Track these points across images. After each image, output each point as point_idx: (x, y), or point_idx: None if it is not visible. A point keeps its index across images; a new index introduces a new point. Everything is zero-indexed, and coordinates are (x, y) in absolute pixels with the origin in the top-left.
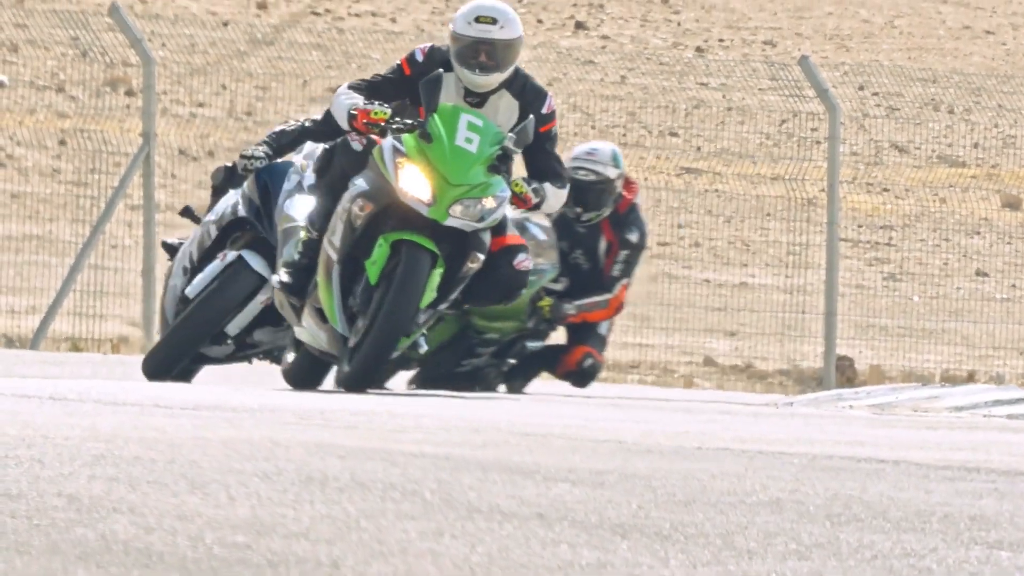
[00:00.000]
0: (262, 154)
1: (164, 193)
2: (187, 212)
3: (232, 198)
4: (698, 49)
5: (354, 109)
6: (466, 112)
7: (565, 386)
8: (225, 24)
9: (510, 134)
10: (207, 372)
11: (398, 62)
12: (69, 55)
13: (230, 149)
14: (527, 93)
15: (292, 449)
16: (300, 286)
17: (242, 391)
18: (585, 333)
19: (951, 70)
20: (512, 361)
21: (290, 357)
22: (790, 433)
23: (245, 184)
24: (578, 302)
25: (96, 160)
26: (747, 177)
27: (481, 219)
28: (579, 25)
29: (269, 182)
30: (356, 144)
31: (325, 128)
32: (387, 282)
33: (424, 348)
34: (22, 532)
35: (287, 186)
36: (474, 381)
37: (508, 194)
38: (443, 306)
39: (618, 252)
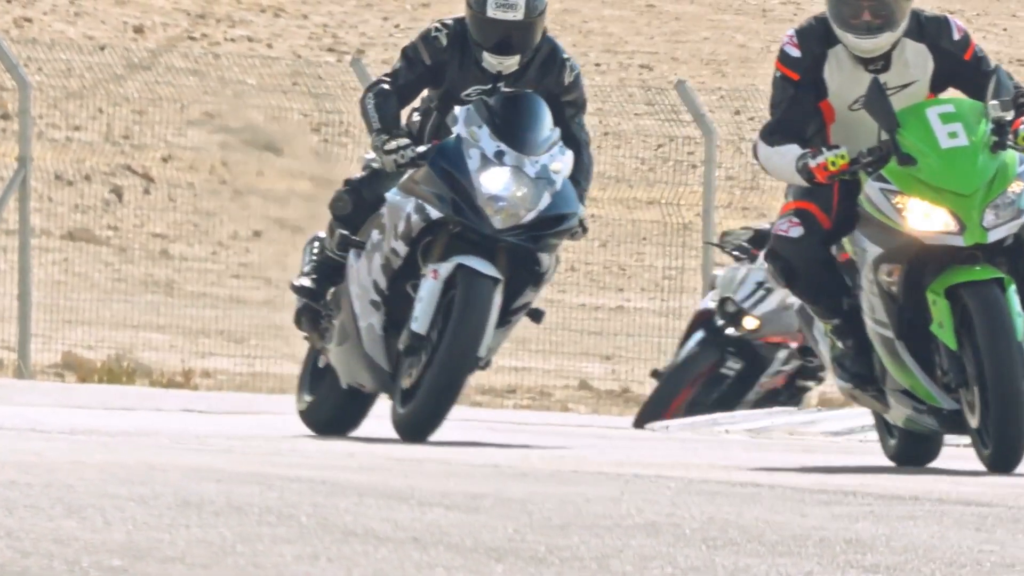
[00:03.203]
0: (407, 141)
1: (39, 217)
2: (347, 240)
3: (405, 204)
4: None
5: (806, 167)
6: (929, 105)
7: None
8: (102, 48)
9: (992, 102)
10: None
11: (777, 73)
12: None
13: (106, 173)
14: (927, 28)
15: (168, 473)
16: (865, 378)
17: (118, 415)
18: None
19: None
20: None
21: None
22: (666, 457)
23: (412, 180)
24: None
25: None
26: (623, 201)
27: (1021, 212)
28: None
29: (448, 166)
30: (796, 231)
31: (412, 75)
32: (967, 339)
33: None
34: None
35: (472, 164)
36: None
37: None
38: None
39: None
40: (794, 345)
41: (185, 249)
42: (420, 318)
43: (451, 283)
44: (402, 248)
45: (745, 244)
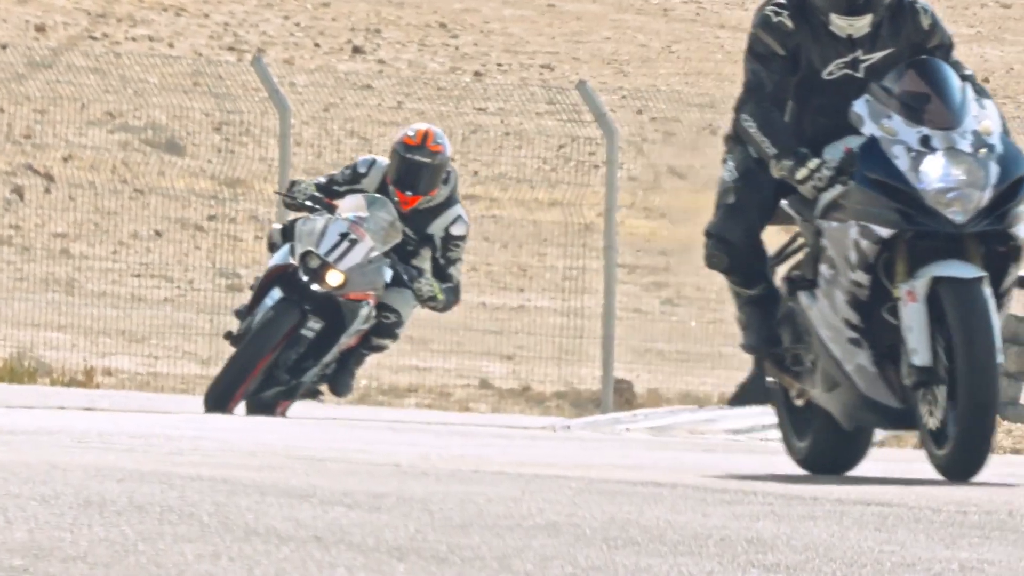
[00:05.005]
0: (816, 160)
1: None
2: (795, 283)
3: (847, 231)
4: (476, 73)
5: None
6: None
7: (346, 409)
8: (3, 47)
9: None
10: None
11: None
12: None
13: (7, 172)
14: None
15: (70, 472)
16: None
17: (19, 414)
18: None
19: (729, 95)
20: None
21: None
22: (567, 456)
23: (840, 203)
24: None
25: None
26: (524, 202)
27: None
28: (356, 50)
29: (877, 175)
30: None
31: (776, 74)
32: None
33: None
34: None
35: (902, 164)
36: None
37: None
38: None
39: None
40: (373, 302)
41: (86, 248)
42: (918, 350)
43: (932, 297)
44: (863, 277)
45: (318, 195)
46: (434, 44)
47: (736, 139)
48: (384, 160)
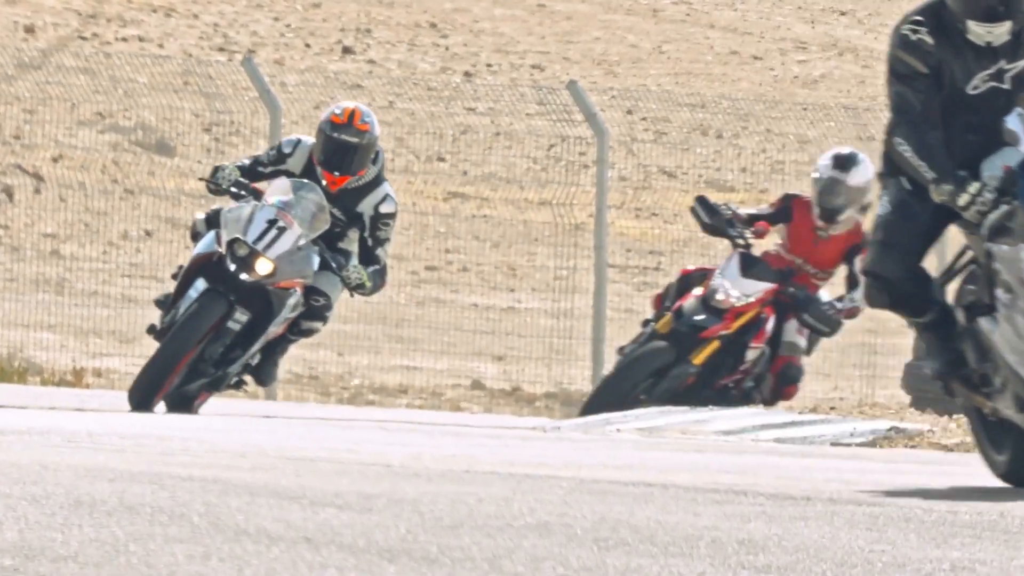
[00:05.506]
0: (977, 184)
1: None
2: (978, 308)
3: (1018, 254)
4: (466, 74)
5: None
6: None
7: (337, 409)
8: None
9: None
10: None
11: None
12: None
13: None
14: None
15: (61, 472)
16: None
17: (10, 414)
18: None
19: (719, 95)
20: None
21: None
22: (558, 457)
23: (999, 227)
24: None
25: None
26: (514, 202)
27: None
28: (346, 50)
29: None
30: None
31: (923, 93)
32: None
33: None
34: None
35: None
36: None
37: None
38: None
39: None
40: (300, 289)
41: (76, 248)
42: None
43: None
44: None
45: (243, 180)
46: (424, 44)
47: (888, 173)
48: (309, 139)
